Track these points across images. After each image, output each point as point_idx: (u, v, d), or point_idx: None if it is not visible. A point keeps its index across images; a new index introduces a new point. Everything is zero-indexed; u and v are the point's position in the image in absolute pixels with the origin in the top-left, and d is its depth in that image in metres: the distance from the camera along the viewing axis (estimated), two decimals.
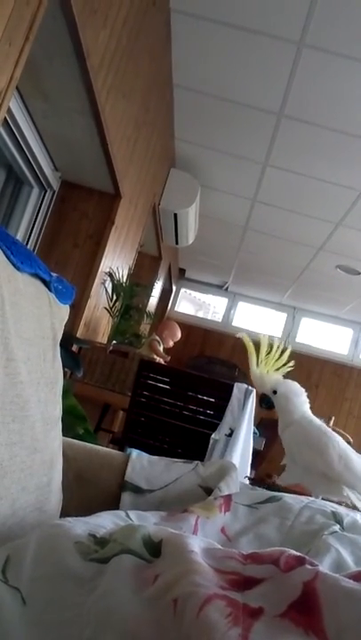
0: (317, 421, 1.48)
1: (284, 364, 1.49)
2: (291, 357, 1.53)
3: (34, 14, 1.64)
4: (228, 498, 0.96)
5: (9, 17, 1.51)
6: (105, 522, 0.69)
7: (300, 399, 1.48)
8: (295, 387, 1.50)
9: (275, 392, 1.46)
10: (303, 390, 1.51)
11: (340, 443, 1.43)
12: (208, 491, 1.09)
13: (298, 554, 0.54)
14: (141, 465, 1.13)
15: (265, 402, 1.48)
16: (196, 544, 0.58)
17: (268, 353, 1.46)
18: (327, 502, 1.02)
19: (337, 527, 0.90)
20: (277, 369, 1.48)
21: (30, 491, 0.84)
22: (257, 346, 1.46)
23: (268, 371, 1.46)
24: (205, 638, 0.44)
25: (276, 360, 1.47)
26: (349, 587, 0.48)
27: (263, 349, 1.45)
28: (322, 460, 1.38)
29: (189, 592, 0.48)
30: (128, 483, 1.09)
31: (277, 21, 2.66)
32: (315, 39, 2.68)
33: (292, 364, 1.49)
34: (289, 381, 1.50)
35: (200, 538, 0.61)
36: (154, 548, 0.58)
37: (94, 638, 0.49)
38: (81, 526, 0.64)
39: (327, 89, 3.02)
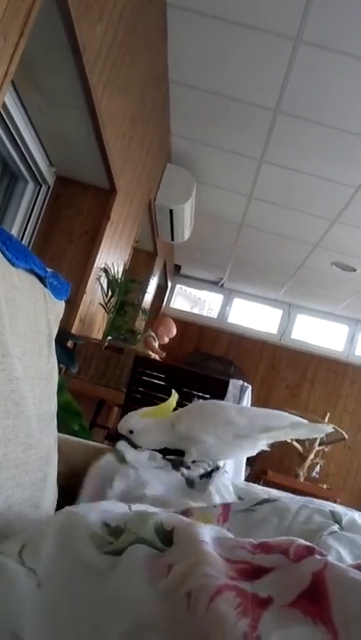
0: None
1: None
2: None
3: (29, 8, 1.63)
4: (227, 508, 0.96)
5: (4, 11, 1.50)
6: (115, 508, 0.70)
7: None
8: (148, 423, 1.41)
9: (131, 432, 1.33)
10: None
11: None
12: (188, 481, 1.12)
13: (307, 544, 0.55)
14: (130, 449, 1.20)
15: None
16: (207, 533, 0.59)
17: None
18: (324, 502, 1.02)
19: (336, 527, 0.90)
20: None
21: (25, 487, 0.83)
22: None
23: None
24: (216, 630, 0.45)
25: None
26: (358, 578, 0.49)
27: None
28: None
29: (201, 584, 0.49)
30: (116, 449, 1.16)
31: (274, 17, 2.66)
32: (311, 35, 2.68)
33: None
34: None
35: (210, 527, 0.62)
36: (166, 537, 0.59)
37: (107, 627, 0.50)
38: (94, 513, 0.64)
39: (324, 85, 3.01)
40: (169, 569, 0.53)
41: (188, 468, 1.19)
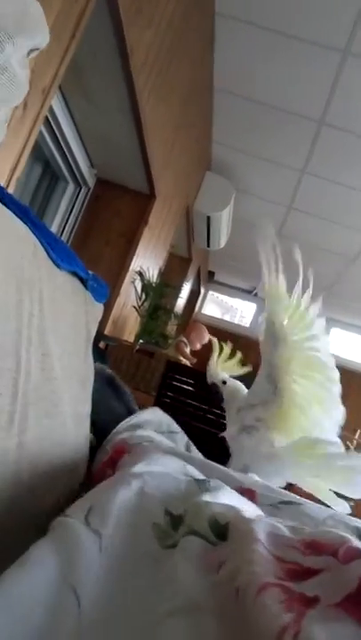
0: None
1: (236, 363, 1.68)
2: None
3: (82, 11, 1.65)
4: (253, 494, 0.96)
5: (57, 13, 1.52)
6: (176, 483, 0.73)
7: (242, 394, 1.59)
8: (241, 385, 1.63)
9: (224, 382, 1.62)
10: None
11: None
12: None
13: (359, 545, 0.54)
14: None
15: (213, 391, 1.65)
16: (262, 529, 0.59)
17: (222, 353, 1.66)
18: (352, 517, 1.01)
19: (359, 543, 0.89)
20: (234, 366, 1.67)
21: (58, 487, 0.84)
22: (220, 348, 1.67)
23: (220, 367, 1.65)
24: (260, 621, 0.46)
25: (230, 359, 1.67)
26: None
27: (220, 350, 1.66)
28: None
29: (248, 580, 0.51)
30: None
31: (322, 29, 2.64)
32: (360, 48, 2.65)
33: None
34: (238, 381, 1.66)
35: (266, 521, 0.62)
36: (220, 531, 0.60)
37: (158, 603, 0.52)
38: (158, 494, 0.68)
39: None
40: (220, 565, 0.55)
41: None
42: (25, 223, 0.79)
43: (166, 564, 0.57)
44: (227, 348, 1.68)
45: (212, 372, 1.64)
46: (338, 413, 1.37)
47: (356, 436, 5.63)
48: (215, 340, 1.67)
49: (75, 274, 0.95)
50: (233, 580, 0.52)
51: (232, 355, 1.69)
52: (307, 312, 1.43)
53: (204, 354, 6.28)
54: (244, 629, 0.47)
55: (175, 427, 1.25)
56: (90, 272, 1.02)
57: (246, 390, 1.60)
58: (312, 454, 1.31)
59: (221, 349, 1.66)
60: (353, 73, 2.83)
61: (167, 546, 0.61)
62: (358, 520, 1.00)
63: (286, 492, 1.09)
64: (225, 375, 1.63)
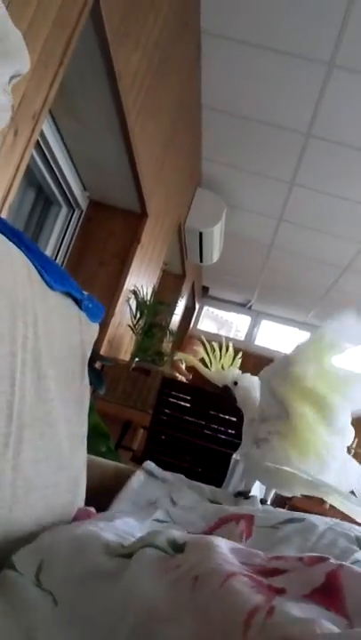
0: None
1: (234, 359, 1.51)
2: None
3: (69, 38, 1.69)
4: (250, 520, 0.95)
5: (45, 41, 1.55)
6: (134, 530, 0.70)
7: (257, 393, 1.48)
8: (254, 378, 1.49)
9: (235, 383, 1.46)
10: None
11: None
12: (216, 504, 1.11)
13: (321, 555, 0.55)
14: (158, 468, 1.22)
15: (229, 394, 1.49)
16: (223, 543, 0.59)
17: (216, 353, 1.50)
18: (353, 526, 1.01)
19: (359, 554, 0.89)
20: (231, 364, 1.49)
21: (55, 508, 0.84)
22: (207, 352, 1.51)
23: (223, 366, 1.49)
24: (228, 602, 0.45)
25: (231, 357, 1.50)
26: None
27: (212, 352, 1.48)
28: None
29: (211, 569, 0.50)
30: (144, 467, 1.17)
31: (307, 42, 2.69)
32: (344, 60, 2.70)
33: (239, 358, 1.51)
34: (248, 375, 1.51)
35: (225, 539, 0.62)
36: (178, 547, 0.59)
37: (119, 625, 0.50)
38: (111, 531, 0.65)
39: (356, 109, 3.02)
40: (178, 566, 0.54)
41: (247, 498, 1.18)
42: (18, 247, 0.81)
43: (122, 576, 0.55)
44: (212, 349, 1.50)
45: (218, 375, 1.48)
46: (349, 433, 1.32)
47: (354, 445, 5.61)
48: (202, 343, 1.52)
49: (69, 294, 0.96)
50: (192, 571, 0.51)
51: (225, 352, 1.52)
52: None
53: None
54: (205, 614, 0.46)
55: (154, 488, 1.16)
56: (84, 292, 1.03)
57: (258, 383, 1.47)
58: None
59: (214, 349, 1.50)
60: (338, 85, 2.88)
61: (119, 554, 0.59)
62: (359, 529, 1.00)
63: (287, 511, 1.08)
64: (235, 373, 1.48)
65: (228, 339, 1.51)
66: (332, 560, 0.53)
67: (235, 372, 1.48)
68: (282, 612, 0.43)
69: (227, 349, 1.49)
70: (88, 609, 0.55)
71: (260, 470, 1.27)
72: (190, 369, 5.13)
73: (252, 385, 1.47)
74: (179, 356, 1.50)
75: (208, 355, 1.47)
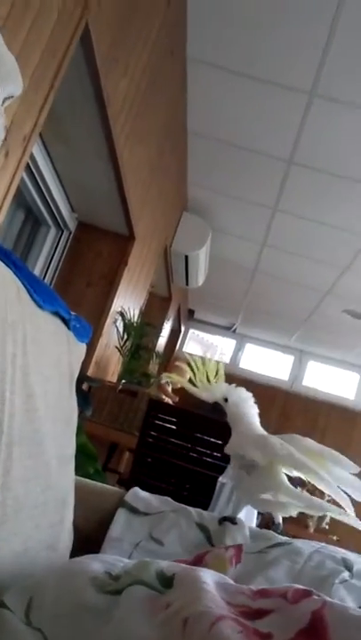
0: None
1: (217, 374, 1.46)
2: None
3: (59, 64, 1.72)
4: (239, 548, 0.96)
5: (35, 66, 1.58)
6: (119, 562, 0.70)
7: (250, 403, 1.46)
8: (244, 392, 1.46)
9: (226, 400, 1.42)
10: (250, 395, 1.49)
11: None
12: (203, 528, 1.10)
13: (305, 587, 0.55)
14: (143, 494, 1.18)
15: (218, 410, 1.44)
16: (209, 577, 0.59)
17: (200, 367, 1.44)
18: (338, 549, 1.02)
19: (347, 574, 0.90)
20: (217, 375, 1.44)
21: (43, 528, 0.84)
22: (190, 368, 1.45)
23: (211, 382, 1.43)
24: None
25: (214, 370, 1.45)
26: (357, 614, 0.49)
27: (194, 368, 1.43)
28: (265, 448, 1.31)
29: (200, 612, 0.50)
30: (126, 502, 1.12)
31: (289, 71, 2.76)
32: (325, 89, 2.77)
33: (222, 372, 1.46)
34: (239, 388, 1.46)
35: (212, 572, 0.62)
36: (166, 581, 0.59)
37: None
38: (97, 564, 0.65)
39: (336, 137, 3.10)
40: (167, 606, 0.54)
41: (235, 524, 1.15)
42: (7, 265, 0.81)
43: (112, 615, 0.55)
44: (194, 365, 1.43)
45: (206, 391, 1.43)
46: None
47: None
48: (187, 359, 1.44)
49: (57, 314, 0.96)
50: (181, 612, 0.51)
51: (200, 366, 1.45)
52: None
53: (187, 392, 6.20)
54: None
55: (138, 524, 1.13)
56: (72, 312, 1.04)
57: (252, 407, 1.45)
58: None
59: (197, 365, 1.43)
60: (319, 114, 2.95)
61: (107, 591, 0.59)
62: (345, 551, 1.01)
63: (275, 534, 1.08)
64: (223, 388, 1.43)
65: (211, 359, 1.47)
66: (315, 596, 0.53)
67: (222, 386, 1.44)
68: None
69: (209, 362, 1.44)
70: None
71: (256, 501, 1.27)
72: (177, 391, 5.13)
73: (242, 400, 1.45)
74: (166, 376, 1.44)
75: (193, 371, 1.43)
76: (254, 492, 1.24)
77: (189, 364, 1.43)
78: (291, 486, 1.21)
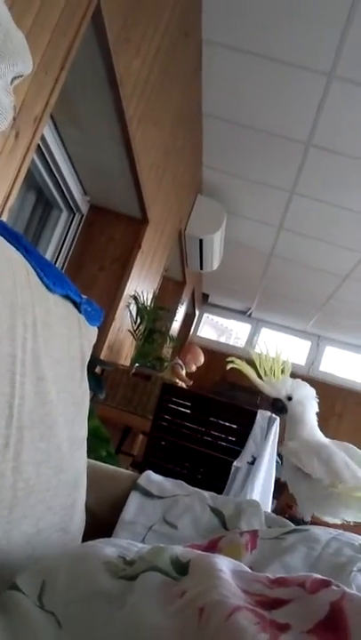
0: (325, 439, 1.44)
1: (285, 366, 1.46)
2: (314, 386, 1.52)
3: (70, 44, 1.70)
4: (255, 534, 0.95)
5: (46, 46, 1.56)
6: (133, 546, 0.70)
7: (313, 403, 1.45)
8: (309, 390, 1.47)
9: (290, 398, 1.43)
10: (314, 393, 1.48)
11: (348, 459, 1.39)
12: (217, 512, 1.10)
13: (324, 577, 0.54)
14: (157, 477, 1.17)
15: (278, 407, 1.46)
16: (225, 565, 0.58)
17: (265, 363, 1.44)
18: (356, 536, 1.00)
19: None
20: (283, 371, 1.45)
21: (55, 511, 0.84)
22: (250, 362, 1.45)
23: (276, 377, 1.43)
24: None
25: (280, 365, 1.44)
26: None
27: (262, 361, 1.43)
28: (329, 469, 1.33)
29: (217, 601, 0.49)
30: (139, 485, 1.12)
31: (308, 53, 2.71)
32: (344, 71, 2.72)
33: (290, 365, 1.45)
34: (303, 384, 1.47)
35: (229, 559, 0.61)
36: (181, 567, 0.58)
37: None
38: (110, 548, 0.65)
39: (355, 119, 3.04)
40: (183, 594, 0.53)
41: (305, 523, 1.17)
42: (17, 249, 0.81)
43: (126, 601, 0.55)
44: (258, 358, 1.44)
45: (271, 386, 1.43)
46: None
47: None
48: (238, 362, 1.45)
49: (68, 297, 0.96)
50: (197, 600, 0.50)
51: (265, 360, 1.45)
52: None
53: (200, 375, 6.24)
54: None
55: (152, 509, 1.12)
56: (83, 296, 1.03)
57: (313, 407, 1.45)
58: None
59: (252, 364, 1.45)
60: (338, 95, 2.89)
61: (121, 577, 0.59)
62: None
63: (290, 522, 1.09)
64: (289, 385, 1.44)
65: (227, 350, 1.47)
66: (334, 586, 0.52)
67: (287, 383, 1.44)
68: None
69: (277, 358, 1.43)
70: (93, 633, 0.54)
71: (323, 512, 1.29)
72: (191, 375, 5.13)
73: (306, 398, 1.44)
74: (233, 361, 1.40)
75: (259, 364, 1.42)
76: (323, 505, 1.26)
77: (257, 358, 1.43)
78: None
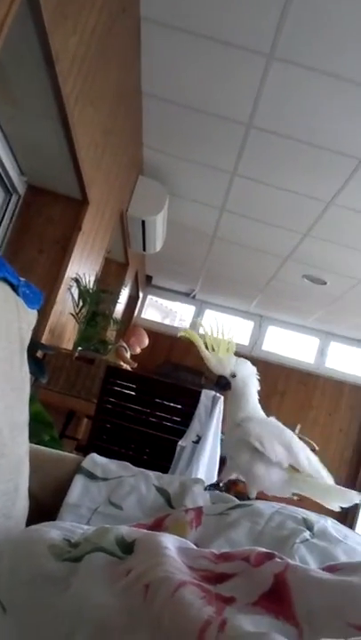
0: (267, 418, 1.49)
1: (230, 346, 1.47)
2: (257, 365, 1.55)
3: (2, 19, 1.63)
4: (199, 511, 0.96)
5: None
6: (78, 528, 0.70)
7: (254, 381, 1.49)
8: (251, 368, 1.48)
9: (233, 376, 1.45)
10: (255, 370, 1.51)
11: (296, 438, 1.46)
12: (162, 491, 1.11)
13: (267, 550, 0.55)
14: (100, 460, 1.17)
15: (222, 385, 1.47)
16: (170, 542, 0.59)
17: (214, 337, 1.45)
18: (298, 509, 1.03)
19: (307, 534, 0.91)
20: (228, 350, 1.46)
21: None
22: (201, 336, 1.46)
23: (221, 353, 1.45)
24: (180, 615, 0.45)
25: (227, 342, 1.46)
26: (319, 576, 0.50)
27: (209, 335, 1.44)
28: (289, 455, 1.39)
29: (162, 577, 0.50)
30: (83, 468, 1.12)
31: (247, 33, 2.70)
32: (284, 51, 2.73)
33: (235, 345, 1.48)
34: (246, 361, 1.49)
35: (174, 537, 0.62)
36: (127, 547, 0.59)
37: (71, 635, 0.50)
38: (55, 531, 0.65)
39: (296, 101, 3.07)
40: (128, 572, 0.54)
41: (221, 490, 1.20)
42: None
43: (71, 582, 0.55)
44: (208, 333, 1.43)
45: (218, 363, 1.44)
46: None
47: (297, 431, 5.77)
48: (190, 333, 1.44)
49: (5, 280, 0.93)
50: (142, 578, 0.51)
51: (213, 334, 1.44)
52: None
53: (145, 357, 6.23)
54: (159, 626, 0.46)
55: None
56: (21, 278, 1.01)
57: (254, 385, 1.47)
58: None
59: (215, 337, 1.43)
60: (278, 77, 2.91)
61: (65, 559, 0.59)
62: (305, 511, 1.03)
63: (235, 498, 1.12)
64: (232, 363, 1.44)
65: (172, 332, 1.48)
66: (277, 558, 0.54)
67: (232, 360, 1.45)
68: (234, 627, 0.43)
69: (223, 336, 1.44)
70: (38, 616, 0.54)
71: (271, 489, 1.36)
72: (135, 357, 5.13)
73: (248, 376, 1.47)
74: (183, 332, 1.39)
75: (206, 340, 1.43)
76: (278, 486, 1.33)
77: (205, 333, 1.44)
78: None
